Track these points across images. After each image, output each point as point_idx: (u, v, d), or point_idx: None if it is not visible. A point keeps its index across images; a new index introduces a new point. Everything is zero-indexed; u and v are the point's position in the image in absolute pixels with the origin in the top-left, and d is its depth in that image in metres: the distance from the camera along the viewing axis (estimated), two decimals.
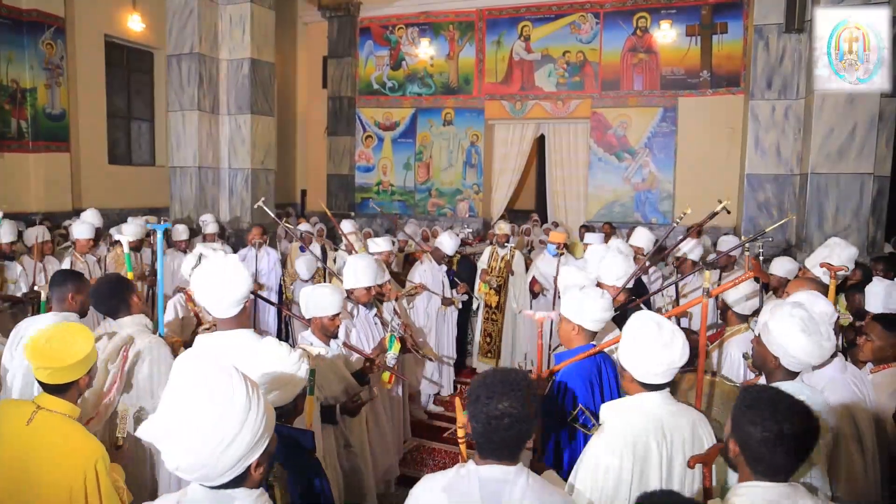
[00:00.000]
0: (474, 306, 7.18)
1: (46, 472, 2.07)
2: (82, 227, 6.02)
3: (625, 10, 11.26)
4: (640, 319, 2.14)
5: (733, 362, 3.28)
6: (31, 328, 3.06)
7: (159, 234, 3.54)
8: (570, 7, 11.60)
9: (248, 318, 2.59)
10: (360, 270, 3.91)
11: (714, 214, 4.55)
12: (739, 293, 3.45)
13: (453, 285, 6.34)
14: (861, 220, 7.03)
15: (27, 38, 9.61)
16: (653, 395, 2.11)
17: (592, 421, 2.55)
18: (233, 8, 9.12)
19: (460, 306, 6.40)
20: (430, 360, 5.27)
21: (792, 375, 2.30)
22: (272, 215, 6.47)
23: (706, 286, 2.82)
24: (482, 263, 7.06)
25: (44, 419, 2.14)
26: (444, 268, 6.24)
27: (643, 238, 5.87)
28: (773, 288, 4.50)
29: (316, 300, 3.30)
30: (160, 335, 3.28)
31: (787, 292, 3.32)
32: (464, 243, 9.25)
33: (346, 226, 7.93)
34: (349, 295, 3.93)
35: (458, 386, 6.53)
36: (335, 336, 3.44)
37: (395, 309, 4.63)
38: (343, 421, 3.30)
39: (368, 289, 3.97)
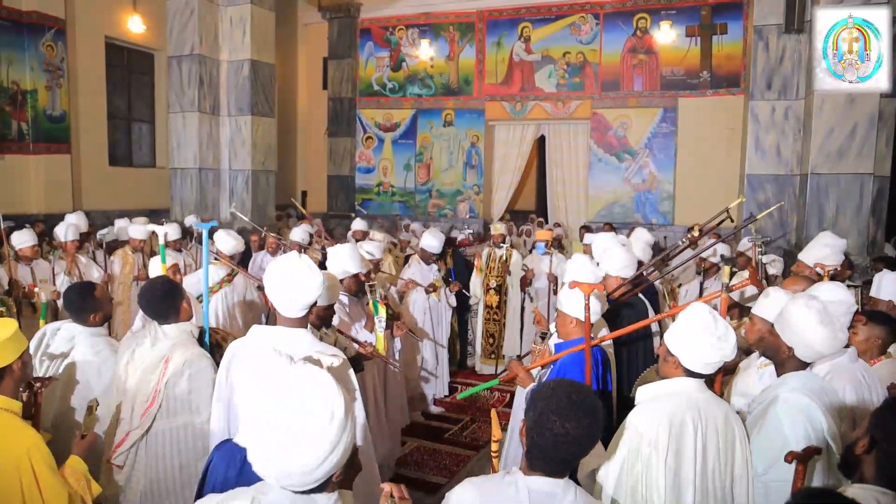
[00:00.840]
0: (472, 304, 7.18)
1: None
2: (68, 230, 5.95)
3: (625, 10, 11.27)
4: (699, 310, 2.18)
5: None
6: (56, 336, 3.04)
7: (205, 234, 3.32)
8: (570, 8, 11.61)
9: (307, 321, 2.57)
10: (346, 259, 3.90)
11: (720, 222, 4.58)
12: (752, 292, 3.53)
13: (447, 283, 6.31)
14: (861, 221, 7.03)
15: (27, 40, 9.63)
16: (690, 380, 2.16)
17: None
18: (233, 9, 9.14)
19: (454, 303, 6.36)
20: (416, 337, 5.23)
21: (803, 366, 2.32)
22: (245, 219, 6.48)
23: (725, 281, 2.91)
24: (481, 264, 7.06)
25: None
26: (434, 267, 6.20)
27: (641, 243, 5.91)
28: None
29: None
30: (206, 343, 3.12)
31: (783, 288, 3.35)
32: (460, 244, 9.27)
33: (357, 224, 7.99)
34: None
35: (458, 387, 6.52)
36: (329, 324, 3.47)
37: (380, 293, 4.64)
38: None
39: (356, 276, 3.97)
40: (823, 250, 4.06)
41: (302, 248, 6.79)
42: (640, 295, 3.97)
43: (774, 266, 5.42)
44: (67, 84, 10.26)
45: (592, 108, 11.58)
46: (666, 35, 10.88)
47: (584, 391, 1.73)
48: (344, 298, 3.95)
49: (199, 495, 1.93)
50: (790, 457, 2.02)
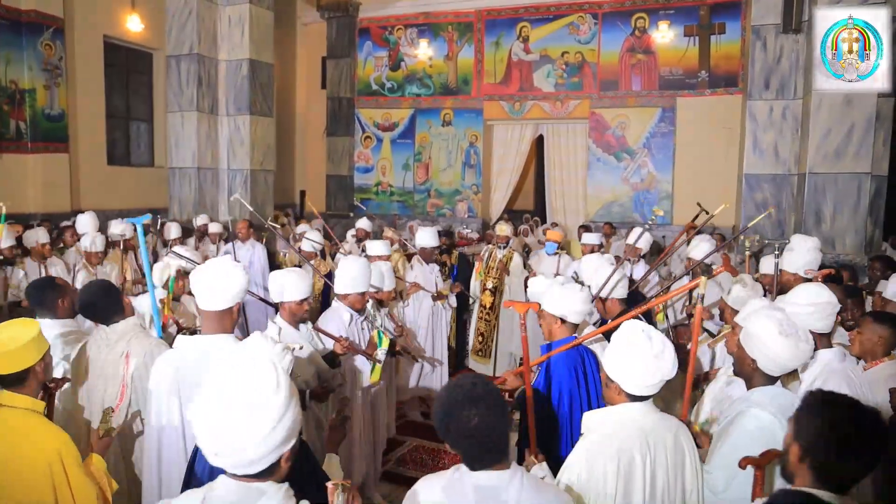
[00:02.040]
0: (470, 305, 7.18)
1: (12, 470, 2.06)
2: (95, 240, 5.86)
3: (623, 10, 11.29)
4: (630, 330, 2.09)
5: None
6: None
7: (139, 228, 3.44)
8: (569, 8, 11.62)
9: (231, 322, 2.58)
10: (355, 275, 3.78)
11: (705, 220, 4.57)
12: (738, 292, 3.48)
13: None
14: (859, 220, 7.05)
15: (26, 39, 9.61)
16: (637, 405, 2.08)
17: None
18: (232, 9, 9.14)
19: (454, 304, 6.37)
20: (416, 360, 5.19)
21: (770, 380, 2.26)
22: (250, 209, 6.46)
23: (702, 293, 2.79)
24: (480, 262, 7.06)
25: (3, 416, 2.13)
26: (435, 267, 6.20)
27: (644, 241, 5.95)
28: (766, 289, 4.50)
29: (284, 284, 3.32)
30: (159, 335, 3.29)
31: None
32: (461, 243, 9.27)
33: (361, 223, 7.96)
34: (343, 299, 3.84)
35: None
36: (304, 321, 3.46)
37: (388, 314, 4.61)
38: (315, 405, 3.31)
39: (363, 294, 3.85)
40: (807, 256, 4.02)
41: (316, 255, 6.72)
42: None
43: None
44: (66, 83, 10.25)
45: (591, 107, 11.60)
46: (664, 35, 10.90)
47: (474, 383, 1.75)
48: (346, 315, 3.82)
49: (187, 485, 1.97)
50: (744, 462, 1.97)
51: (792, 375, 2.54)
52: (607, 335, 3.16)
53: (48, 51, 9.85)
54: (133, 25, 11.41)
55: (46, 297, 3.12)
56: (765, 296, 4.24)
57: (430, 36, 12.73)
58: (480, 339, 7.00)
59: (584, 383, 2.84)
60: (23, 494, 2.05)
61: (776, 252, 4.00)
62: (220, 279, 2.49)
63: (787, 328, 2.19)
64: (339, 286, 3.82)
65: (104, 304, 2.94)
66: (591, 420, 2.15)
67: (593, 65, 11.56)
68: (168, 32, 9.09)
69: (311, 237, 6.81)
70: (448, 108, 12.74)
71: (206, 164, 9.19)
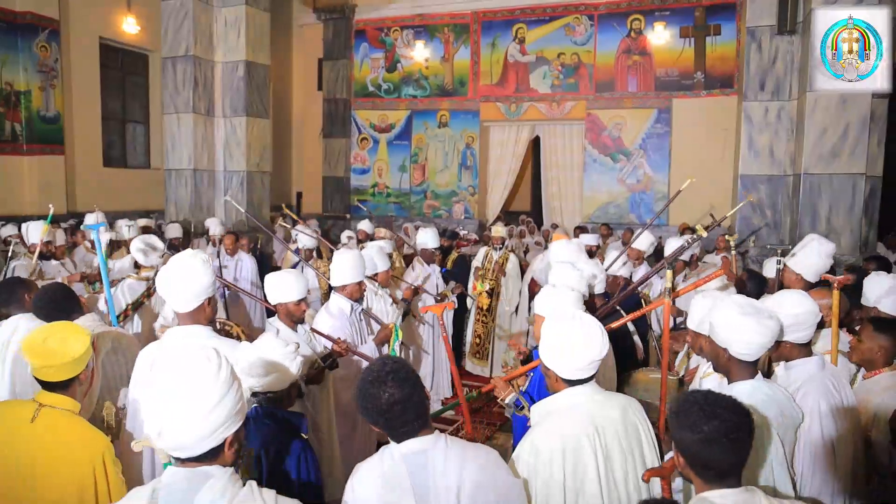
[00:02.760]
0: (469, 306, 7.18)
1: (55, 469, 2.11)
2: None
3: (619, 12, 11.31)
4: (557, 319, 2.15)
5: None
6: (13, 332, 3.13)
7: (94, 235, 3.71)
8: (565, 9, 11.64)
9: (205, 317, 2.64)
10: (350, 265, 3.86)
11: (714, 224, 4.58)
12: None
13: (446, 283, 6.32)
14: (854, 220, 7.08)
15: (21, 41, 9.60)
16: (578, 389, 2.11)
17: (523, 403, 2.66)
18: (228, 10, 9.13)
19: (455, 305, 6.38)
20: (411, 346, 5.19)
21: (750, 369, 2.25)
22: (241, 210, 6.45)
23: (668, 286, 2.85)
24: (477, 263, 7.06)
25: (48, 416, 2.17)
26: (436, 268, 6.19)
27: (644, 242, 5.95)
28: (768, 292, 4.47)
29: (280, 286, 3.32)
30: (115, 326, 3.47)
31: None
32: (458, 243, 9.27)
33: (362, 225, 7.97)
34: (341, 291, 3.88)
35: (451, 387, 6.52)
36: (301, 321, 3.46)
37: (393, 300, 4.62)
38: (310, 397, 3.31)
39: (360, 283, 3.92)
40: (821, 260, 3.81)
41: (312, 255, 6.73)
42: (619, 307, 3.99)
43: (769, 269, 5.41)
44: (61, 85, 10.24)
45: (587, 108, 11.62)
46: (660, 36, 10.92)
47: (385, 365, 1.82)
48: (346, 306, 3.86)
49: None
50: (647, 475, 1.94)
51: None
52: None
53: (44, 52, 9.84)
54: (129, 27, 11.41)
55: (14, 295, 3.25)
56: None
57: (427, 37, 12.74)
58: (478, 340, 7.00)
59: None
60: (62, 491, 2.10)
61: (778, 258, 3.93)
62: (183, 280, 2.54)
63: (747, 308, 2.19)
64: (336, 279, 3.87)
65: (65, 303, 3.05)
66: (537, 411, 2.21)
67: (589, 66, 11.58)
68: (164, 34, 9.08)
69: (306, 233, 6.89)
70: (444, 109, 12.75)
71: (202, 165, 9.18)
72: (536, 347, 3.03)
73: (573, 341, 2.07)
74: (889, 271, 4.55)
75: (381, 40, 13.20)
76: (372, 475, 1.80)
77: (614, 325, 3.12)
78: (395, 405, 1.74)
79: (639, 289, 4.99)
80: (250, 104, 9.24)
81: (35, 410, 2.17)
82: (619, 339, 3.69)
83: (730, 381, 2.29)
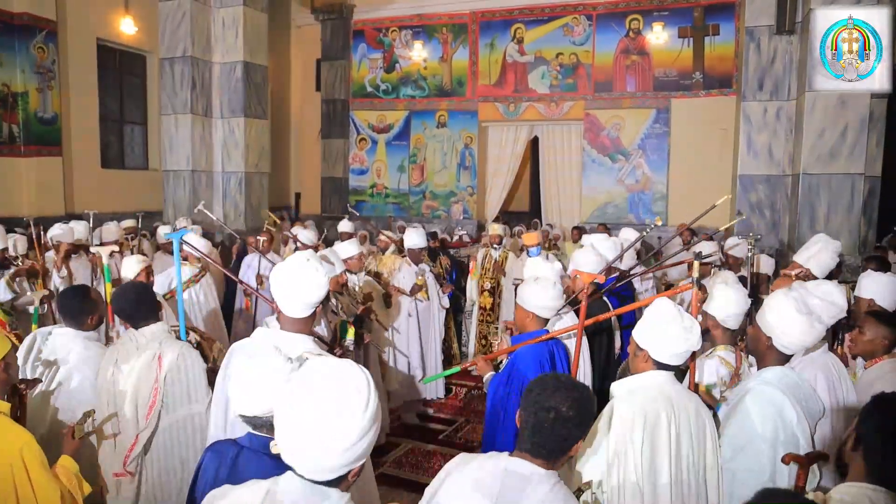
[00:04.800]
0: (466, 307, 7.17)
1: None
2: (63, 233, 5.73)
3: (617, 12, 11.30)
4: (664, 305, 2.25)
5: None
6: (48, 342, 3.03)
7: (175, 244, 3.36)
8: (563, 9, 11.63)
9: (310, 325, 2.55)
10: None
11: (705, 211, 4.57)
12: (731, 310, 3.41)
13: (441, 285, 6.28)
14: (852, 220, 7.08)
15: (18, 42, 9.56)
16: (662, 373, 2.22)
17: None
18: (225, 11, 9.12)
19: (446, 305, 6.32)
20: (377, 347, 5.13)
21: (783, 359, 2.36)
22: (213, 218, 6.37)
23: (695, 276, 2.92)
24: (476, 264, 7.05)
25: None
26: (425, 268, 6.07)
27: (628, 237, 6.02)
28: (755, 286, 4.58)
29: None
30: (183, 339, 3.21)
31: (772, 289, 3.37)
32: (454, 245, 9.26)
33: (343, 226, 7.92)
34: None
35: (453, 388, 6.52)
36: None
37: (348, 293, 4.58)
38: None
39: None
40: (832, 259, 4.06)
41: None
42: (607, 298, 4.04)
43: (766, 265, 5.44)
44: (59, 86, 10.20)
45: (585, 108, 11.61)
46: (658, 36, 10.92)
47: (576, 381, 1.84)
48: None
49: (192, 495, 1.93)
50: (788, 458, 2.05)
51: None
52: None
53: (41, 53, 9.81)
54: (126, 28, 11.38)
55: (78, 310, 3.05)
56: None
57: (425, 37, 12.73)
58: (483, 342, 6.99)
59: None
60: None
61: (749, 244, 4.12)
62: (300, 285, 2.42)
63: (803, 307, 2.31)
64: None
65: (137, 307, 2.91)
66: (619, 386, 2.29)
67: (588, 66, 11.57)
68: (161, 35, 9.07)
69: (302, 238, 6.76)
70: (443, 109, 12.74)
71: (200, 166, 9.17)
72: (514, 334, 3.25)
73: (678, 328, 2.17)
74: (888, 271, 4.56)
75: (380, 41, 13.18)
76: (469, 466, 1.79)
77: (601, 316, 3.26)
78: (558, 417, 1.68)
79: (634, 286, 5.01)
80: (248, 105, 9.23)
81: None
82: (597, 331, 3.77)
83: (759, 367, 2.42)
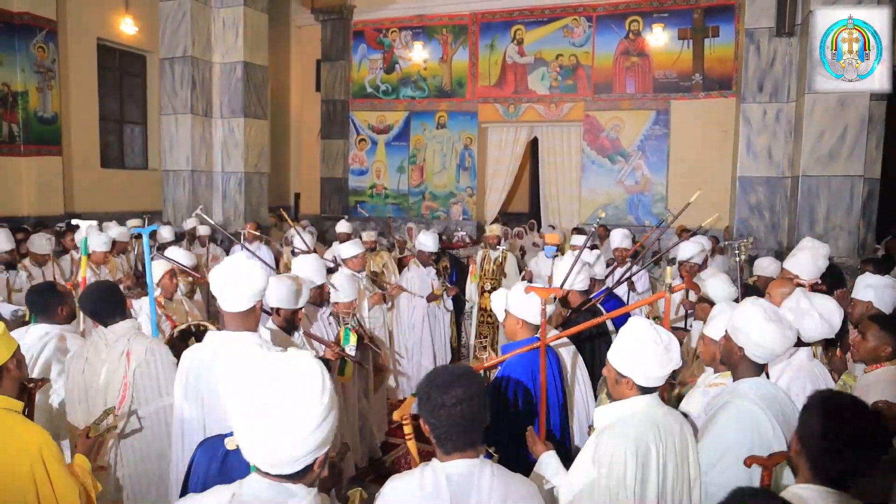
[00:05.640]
0: (466, 308, 7.18)
1: None
2: (98, 240, 5.95)
3: (617, 13, 11.31)
4: (639, 326, 2.16)
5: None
6: (25, 339, 3.07)
7: (145, 238, 3.51)
8: (563, 11, 11.64)
9: (255, 321, 2.61)
10: (312, 269, 3.93)
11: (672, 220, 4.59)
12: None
13: (445, 288, 6.33)
14: (852, 222, 7.08)
15: (18, 41, 9.57)
16: (647, 398, 2.15)
17: None
18: (226, 11, 9.12)
19: (450, 307, 6.38)
20: (377, 349, 5.15)
21: (757, 369, 2.33)
22: (210, 222, 6.47)
23: (668, 282, 2.93)
24: (476, 266, 7.06)
25: None
26: (432, 270, 6.22)
27: (618, 239, 6.04)
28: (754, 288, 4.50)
29: (281, 292, 3.30)
30: (154, 335, 3.32)
31: (769, 293, 3.35)
32: (454, 246, 9.27)
33: (341, 227, 7.93)
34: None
35: None
36: (298, 328, 3.47)
37: (353, 312, 4.60)
38: None
39: (320, 287, 3.98)
40: (821, 263, 3.96)
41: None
42: (601, 305, 4.02)
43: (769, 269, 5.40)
44: (59, 86, 10.21)
45: (585, 110, 11.61)
46: (658, 38, 10.92)
47: (461, 366, 1.87)
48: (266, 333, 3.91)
49: (185, 491, 1.97)
50: (749, 461, 2.03)
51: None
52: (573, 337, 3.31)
53: (41, 53, 9.82)
54: (127, 28, 11.40)
55: (48, 304, 3.16)
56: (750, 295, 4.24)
57: (425, 38, 12.73)
58: (482, 342, 6.99)
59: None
60: (4, 492, 2.04)
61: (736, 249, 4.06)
62: (239, 279, 2.50)
63: (772, 314, 2.28)
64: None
65: (107, 305, 2.97)
66: (604, 415, 2.21)
67: (587, 67, 11.58)
68: (162, 35, 9.06)
69: (297, 244, 6.84)
70: (442, 110, 12.74)
71: (200, 166, 9.16)
72: (505, 344, 3.15)
73: (656, 350, 2.09)
74: (888, 273, 4.57)
75: (380, 41, 13.18)
76: (411, 488, 1.77)
77: (585, 324, 3.23)
78: (462, 403, 1.73)
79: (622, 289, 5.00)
80: (248, 105, 9.23)
81: None
82: (597, 339, 3.73)
83: (735, 378, 2.38)
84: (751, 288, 4.30)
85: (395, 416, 2.27)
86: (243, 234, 6.65)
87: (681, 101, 10.97)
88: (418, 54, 12.67)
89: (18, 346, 2.31)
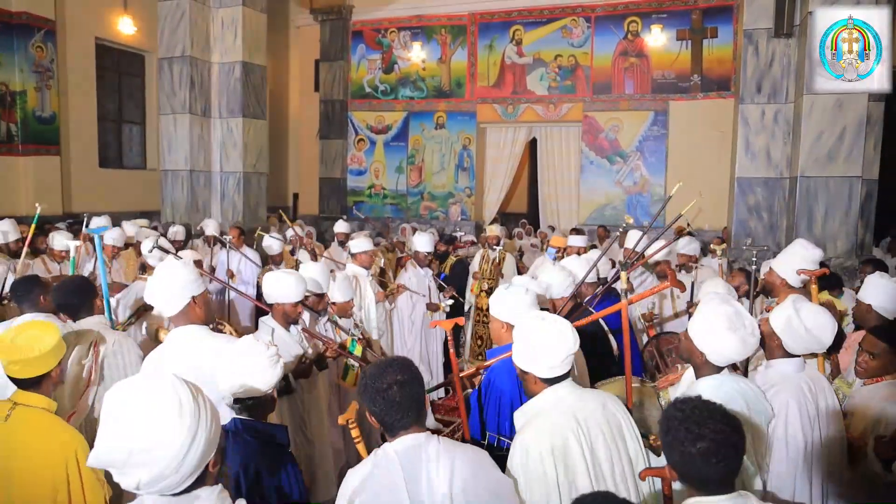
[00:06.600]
0: (465, 309, 7.17)
1: (28, 466, 2.10)
2: (115, 235, 6.15)
3: (616, 14, 11.32)
4: (526, 321, 2.20)
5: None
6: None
7: (97, 240, 3.72)
8: (562, 11, 11.65)
9: (198, 315, 2.70)
10: (317, 276, 3.90)
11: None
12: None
13: (441, 289, 6.35)
14: (850, 223, 7.08)
15: (17, 41, 9.55)
16: (557, 387, 2.15)
17: (507, 441, 2.57)
18: (224, 11, 9.10)
19: (447, 310, 6.38)
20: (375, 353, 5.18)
21: (718, 370, 2.32)
22: (216, 235, 6.59)
23: (623, 287, 2.92)
24: (474, 266, 7.07)
25: (21, 415, 2.17)
26: (429, 271, 6.23)
27: (633, 240, 5.96)
28: (759, 292, 4.46)
29: (279, 287, 3.31)
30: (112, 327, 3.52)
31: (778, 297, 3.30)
32: (457, 246, 9.26)
33: (339, 227, 7.95)
34: (304, 301, 3.83)
35: (450, 389, 6.51)
36: (296, 322, 3.47)
37: (355, 322, 4.59)
38: (300, 399, 3.31)
39: (321, 295, 3.95)
40: (805, 264, 3.75)
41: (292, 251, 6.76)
42: (600, 306, 3.97)
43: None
44: (57, 85, 10.19)
45: (584, 110, 11.63)
46: (657, 39, 10.94)
47: (394, 357, 1.97)
48: (305, 314, 3.88)
49: None
50: (644, 474, 1.99)
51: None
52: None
53: (39, 52, 9.80)
54: (125, 27, 11.38)
55: (31, 293, 3.26)
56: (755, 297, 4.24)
57: (424, 39, 12.74)
58: (479, 342, 6.99)
59: None
60: (37, 486, 2.10)
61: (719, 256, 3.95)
62: (162, 282, 2.63)
63: (736, 322, 2.22)
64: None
65: (78, 299, 3.11)
66: (521, 414, 2.23)
67: (586, 68, 11.59)
68: (160, 35, 9.04)
69: (301, 257, 6.93)
70: (441, 110, 12.75)
71: (198, 166, 9.15)
72: (491, 348, 3.10)
73: (545, 340, 2.10)
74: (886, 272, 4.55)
75: (378, 41, 13.19)
76: (365, 468, 1.84)
77: (582, 321, 3.13)
78: (394, 385, 1.81)
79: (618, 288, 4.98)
80: (247, 105, 9.21)
81: (9, 409, 2.16)
82: (596, 342, 3.70)
83: (697, 377, 2.38)
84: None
85: (341, 420, 2.26)
86: (228, 239, 6.63)
87: (679, 102, 10.99)
88: (417, 54, 12.68)
89: (65, 353, 2.39)
